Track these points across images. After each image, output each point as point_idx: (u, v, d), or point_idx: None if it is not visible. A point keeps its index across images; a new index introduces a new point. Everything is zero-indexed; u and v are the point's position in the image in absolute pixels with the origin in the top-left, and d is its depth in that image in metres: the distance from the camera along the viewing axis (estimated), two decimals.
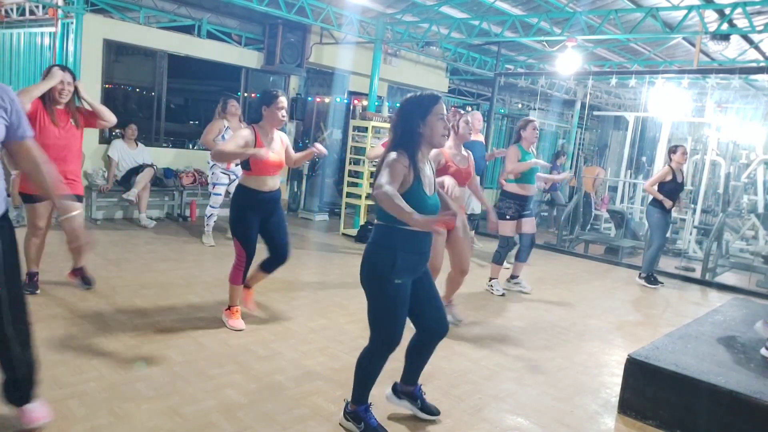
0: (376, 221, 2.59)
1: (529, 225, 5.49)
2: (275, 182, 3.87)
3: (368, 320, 2.61)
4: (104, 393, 2.81)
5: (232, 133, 6.25)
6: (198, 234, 6.72)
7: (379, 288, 2.53)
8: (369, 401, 2.70)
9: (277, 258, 3.98)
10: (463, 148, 4.24)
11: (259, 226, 3.84)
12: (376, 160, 5.15)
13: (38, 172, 2.34)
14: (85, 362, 3.11)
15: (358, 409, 2.68)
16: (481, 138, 7.53)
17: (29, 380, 2.44)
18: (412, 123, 2.51)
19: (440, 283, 4.27)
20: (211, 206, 6.49)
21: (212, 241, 6.43)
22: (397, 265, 2.47)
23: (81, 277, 4.37)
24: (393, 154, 2.48)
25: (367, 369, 2.64)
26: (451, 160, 4.08)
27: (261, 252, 3.92)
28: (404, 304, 2.56)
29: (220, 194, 6.48)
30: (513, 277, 5.76)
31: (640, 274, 6.71)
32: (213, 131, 6.28)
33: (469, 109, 13.67)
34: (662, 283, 6.63)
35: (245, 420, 2.72)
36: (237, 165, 6.46)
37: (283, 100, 3.73)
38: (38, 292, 4.14)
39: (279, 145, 3.85)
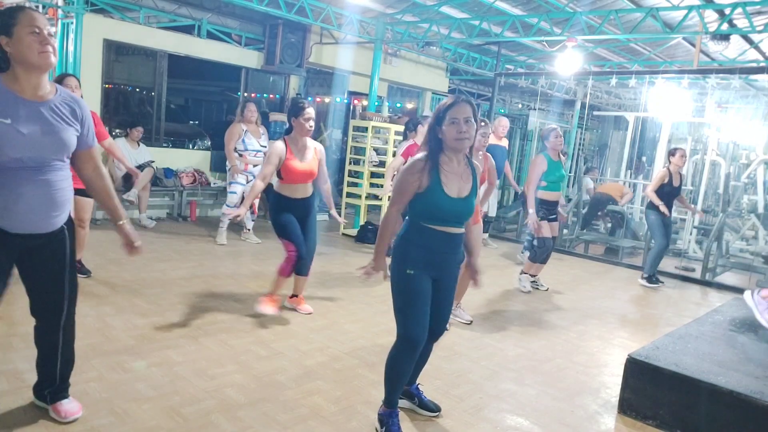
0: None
1: (552, 228, 5.65)
2: (306, 189, 4.06)
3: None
4: (104, 393, 2.81)
5: (251, 137, 6.49)
6: (198, 234, 6.72)
7: (395, 278, 2.63)
8: (398, 407, 2.73)
9: (304, 257, 4.13)
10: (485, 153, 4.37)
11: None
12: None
13: (100, 178, 2.48)
14: (85, 362, 3.10)
15: (384, 412, 2.72)
16: (504, 143, 7.58)
17: (67, 377, 2.57)
18: (433, 128, 2.61)
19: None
20: (226, 205, 6.56)
21: (225, 240, 6.49)
22: (408, 257, 2.58)
23: (78, 268, 4.46)
24: (408, 163, 2.63)
25: (393, 369, 2.67)
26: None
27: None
28: (419, 297, 2.59)
29: (236, 193, 6.54)
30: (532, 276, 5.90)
31: (642, 275, 6.71)
32: (233, 137, 6.47)
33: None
34: (663, 282, 6.63)
35: (245, 420, 2.72)
36: (255, 166, 6.57)
37: (311, 111, 3.92)
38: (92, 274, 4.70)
39: (312, 155, 4.01)
